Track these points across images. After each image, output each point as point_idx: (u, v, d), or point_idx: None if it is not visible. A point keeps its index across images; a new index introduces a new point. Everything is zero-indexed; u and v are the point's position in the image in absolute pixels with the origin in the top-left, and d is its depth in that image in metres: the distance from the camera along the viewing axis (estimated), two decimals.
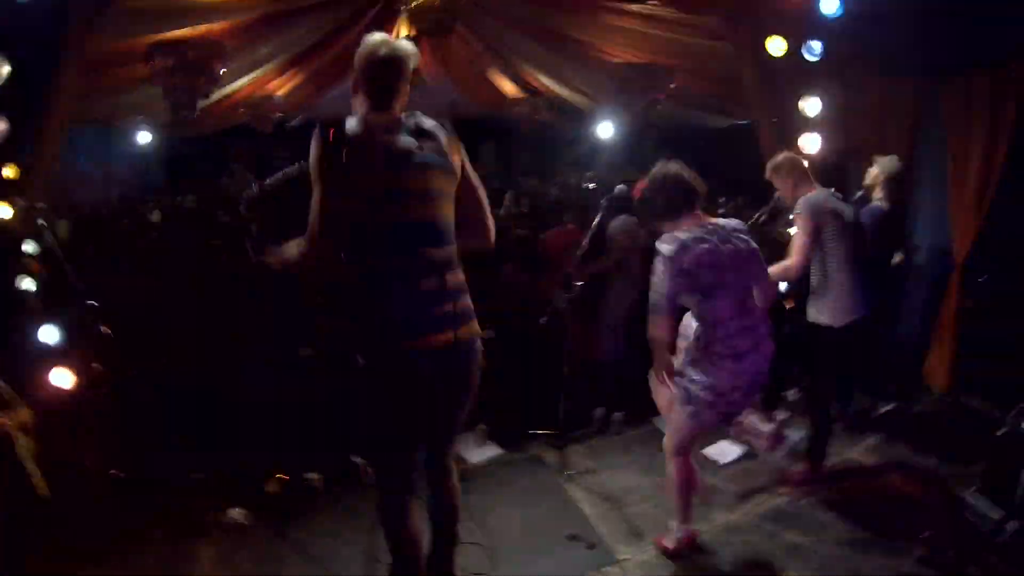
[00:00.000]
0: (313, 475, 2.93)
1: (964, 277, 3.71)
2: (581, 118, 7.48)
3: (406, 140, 1.65)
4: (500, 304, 3.65)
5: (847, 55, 4.02)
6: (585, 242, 2.98)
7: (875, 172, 3.41)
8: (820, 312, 2.78)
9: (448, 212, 1.70)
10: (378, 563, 2.16)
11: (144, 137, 6.46)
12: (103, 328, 2.77)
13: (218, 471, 2.90)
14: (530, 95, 7.42)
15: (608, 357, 3.78)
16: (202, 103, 4.82)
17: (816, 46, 3.68)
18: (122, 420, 2.85)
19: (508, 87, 7.53)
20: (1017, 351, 3.48)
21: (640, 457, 3.17)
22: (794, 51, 3.75)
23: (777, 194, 2.95)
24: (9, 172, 2.68)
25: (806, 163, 2.99)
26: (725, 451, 3.21)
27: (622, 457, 3.24)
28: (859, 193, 3.51)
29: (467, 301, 1.73)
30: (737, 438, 3.32)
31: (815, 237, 2.69)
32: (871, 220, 3.27)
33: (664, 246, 2.11)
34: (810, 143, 3.87)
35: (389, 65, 1.67)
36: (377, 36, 1.72)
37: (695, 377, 2.20)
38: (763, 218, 3.04)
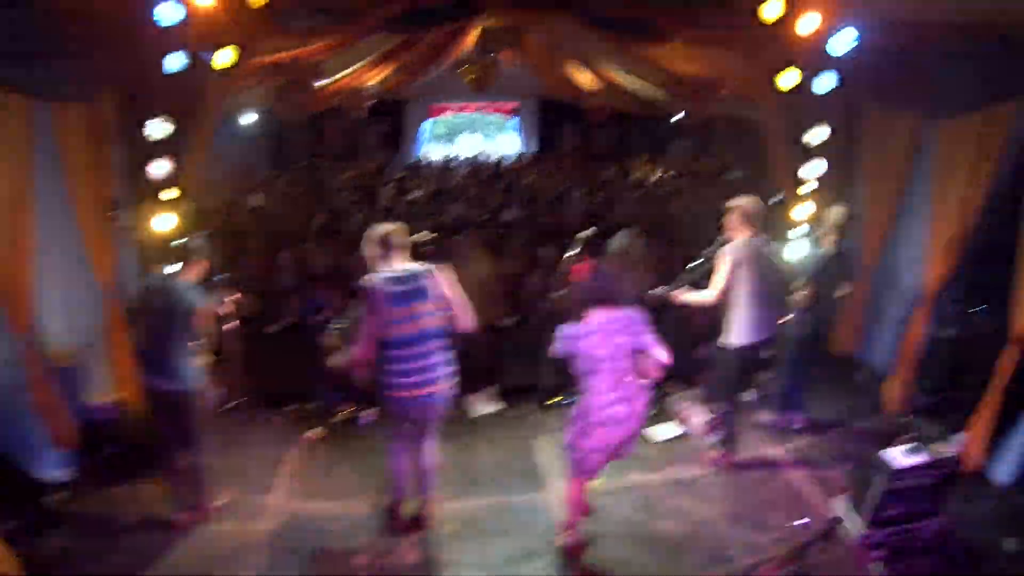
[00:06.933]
0: (368, 411, 4.34)
1: (934, 309, 3.95)
2: (655, 108, 7.77)
3: (403, 287, 2.80)
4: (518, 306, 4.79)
5: (853, 88, 4.17)
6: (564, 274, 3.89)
7: (828, 221, 3.80)
8: (726, 334, 3.45)
9: (432, 320, 2.84)
10: None
11: (248, 118, 7.39)
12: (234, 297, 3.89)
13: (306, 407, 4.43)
14: (606, 86, 7.84)
15: None
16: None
17: (827, 80, 3.95)
18: (246, 371, 4.33)
19: (584, 78, 7.98)
20: (970, 383, 3.77)
21: None
22: (806, 84, 4.04)
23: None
24: (174, 194, 3.61)
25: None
26: (661, 432, 4.04)
27: None
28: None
29: (443, 370, 2.90)
30: (681, 422, 4.14)
31: (732, 273, 3.33)
32: (820, 261, 3.76)
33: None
34: (813, 169, 4.25)
35: (392, 243, 2.85)
36: (380, 228, 2.88)
37: None
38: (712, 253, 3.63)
